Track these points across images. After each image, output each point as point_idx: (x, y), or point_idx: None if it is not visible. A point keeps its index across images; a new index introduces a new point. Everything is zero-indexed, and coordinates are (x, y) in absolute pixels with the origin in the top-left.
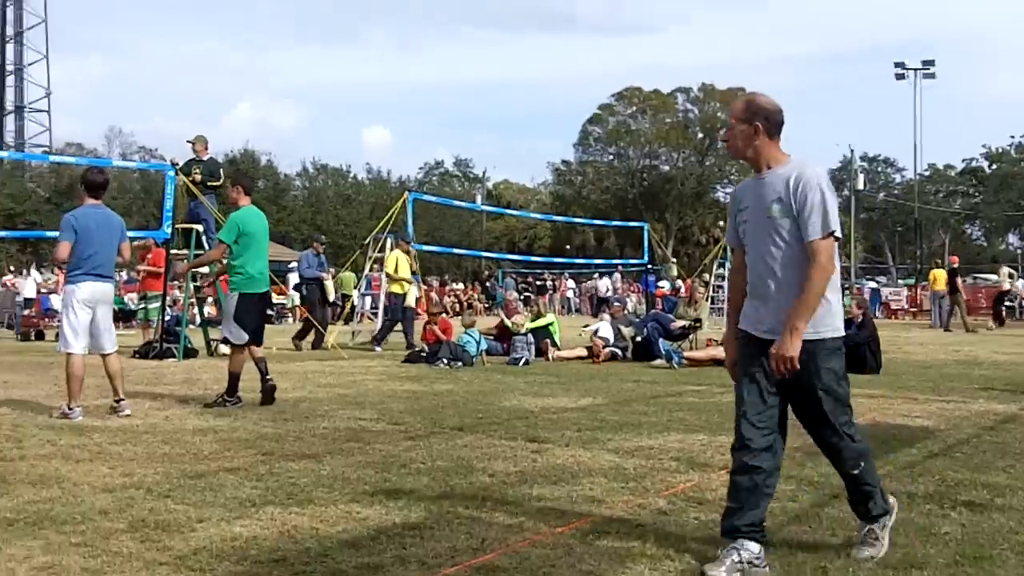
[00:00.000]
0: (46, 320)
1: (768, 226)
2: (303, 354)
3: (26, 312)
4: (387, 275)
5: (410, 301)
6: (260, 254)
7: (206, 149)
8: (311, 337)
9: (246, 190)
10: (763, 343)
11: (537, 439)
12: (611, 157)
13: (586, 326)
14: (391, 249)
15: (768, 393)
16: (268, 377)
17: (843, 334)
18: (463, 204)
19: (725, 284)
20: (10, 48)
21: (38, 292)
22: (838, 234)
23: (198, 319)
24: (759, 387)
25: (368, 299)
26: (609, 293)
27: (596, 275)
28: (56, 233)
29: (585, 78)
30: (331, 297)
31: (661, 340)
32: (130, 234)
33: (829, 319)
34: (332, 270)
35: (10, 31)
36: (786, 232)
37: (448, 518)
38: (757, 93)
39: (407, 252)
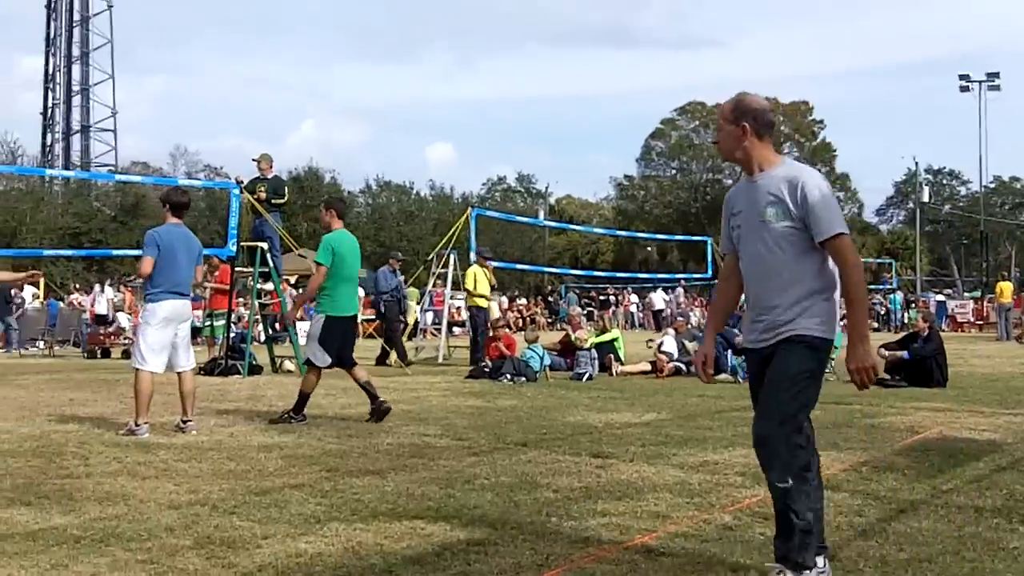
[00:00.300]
0: (112, 338)
1: (762, 230)
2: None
3: (102, 331)
4: (467, 291)
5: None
6: (350, 277)
7: (271, 167)
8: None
9: (339, 213)
10: (763, 359)
11: (601, 454)
12: (674, 171)
13: (651, 341)
14: (455, 265)
15: None
16: (380, 400)
17: (831, 337)
18: (526, 219)
19: None
20: (76, 68)
21: (113, 310)
22: (847, 232)
23: (263, 336)
24: None
25: (430, 315)
26: (664, 308)
27: (658, 290)
28: (122, 252)
29: (647, 92)
30: (411, 317)
31: (726, 354)
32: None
33: (820, 320)
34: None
35: (76, 52)
36: (781, 236)
37: (513, 534)
38: (746, 93)
39: (485, 267)
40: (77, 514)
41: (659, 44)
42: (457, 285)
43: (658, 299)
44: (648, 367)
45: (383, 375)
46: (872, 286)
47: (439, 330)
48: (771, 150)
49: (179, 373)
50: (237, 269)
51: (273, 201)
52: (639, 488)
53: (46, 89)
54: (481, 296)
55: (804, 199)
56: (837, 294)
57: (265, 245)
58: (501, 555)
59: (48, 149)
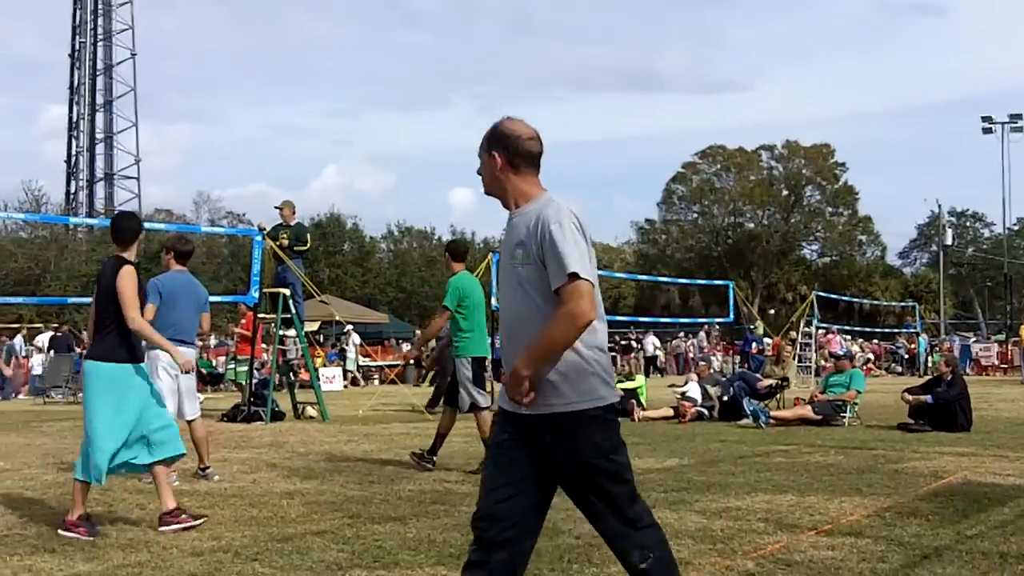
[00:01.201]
0: None
1: (512, 274)
2: (389, 416)
3: None
4: None
5: None
6: (482, 317)
7: (293, 214)
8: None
9: (457, 256)
10: (519, 419)
11: None
12: (695, 215)
13: (672, 386)
14: None
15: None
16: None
17: (609, 401)
18: None
19: (812, 343)
20: (100, 116)
21: None
22: (585, 276)
23: (285, 383)
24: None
25: None
26: (655, 353)
27: (681, 335)
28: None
29: (669, 136)
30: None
31: (747, 399)
32: (218, 299)
33: (587, 384)
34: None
35: (100, 100)
36: (527, 281)
37: None
38: (508, 118)
39: None
40: (100, 561)
41: (681, 88)
42: None
43: (649, 345)
44: (670, 412)
45: (407, 420)
46: (895, 329)
47: None
48: (532, 184)
49: (189, 422)
50: (260, 315)
51: (296, 248)
52: None
53: (70, 137)
54: None
55: (542, 241)
56: (601, 355)
57: (288, 291)
58: None
59: (72, 197)
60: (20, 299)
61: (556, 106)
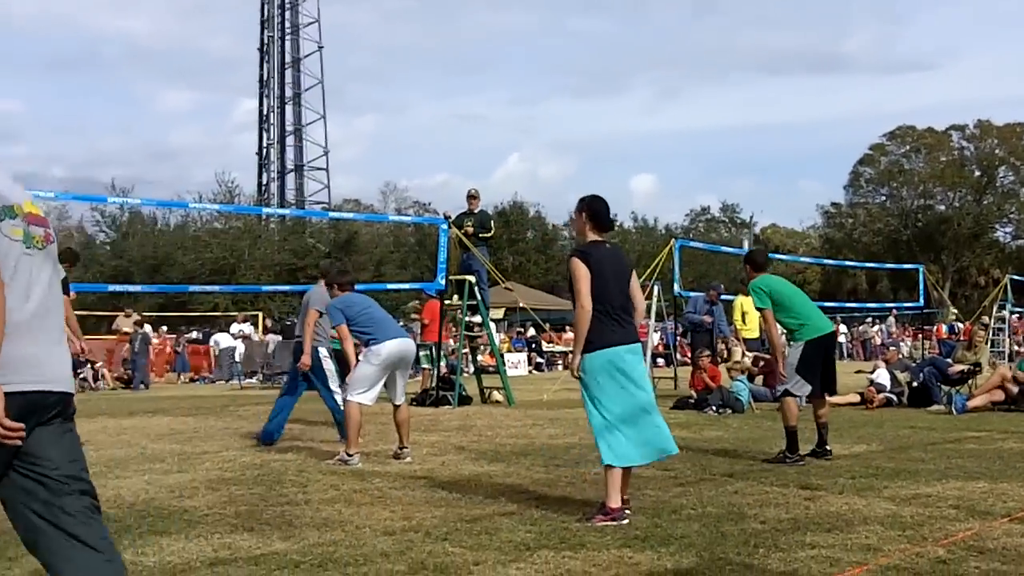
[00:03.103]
0: None
1: None
2: (573, 400)
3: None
4: (736, 324)
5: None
6: (803, 302)
7: (478, 202)
8: None
9: (759, 265)
10: None
11: (809, 486)
12: (883, 198)
13: (859, 371)
14: (658, 297)
15: None
16: (826, 445)
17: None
18: (730, 250)
19: (1005, 327)
20: (289, 109)
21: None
22: None
23: (472, 368)
24: None
25: None
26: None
27: (868, 320)
28: None
29: (855, 118)
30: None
31: (938, 385)
32: (406, 286)
33: None
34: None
35: (289, 93)
36: None
37: (720, 564)
38: None
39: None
40: (296, 540)
41: (868, 69)
42: (660, 316)
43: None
44: (857, 398)
45: None
46: None
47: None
48: None
49: (395, 405)
50: (446, 302)
51: (480, 235)
52: (849, 520)
53: (261, 130)
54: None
55: None
56: None
57: (473, 279)
58: None
59: (264, 188)
60: (216, 287)
61: (737, 90)
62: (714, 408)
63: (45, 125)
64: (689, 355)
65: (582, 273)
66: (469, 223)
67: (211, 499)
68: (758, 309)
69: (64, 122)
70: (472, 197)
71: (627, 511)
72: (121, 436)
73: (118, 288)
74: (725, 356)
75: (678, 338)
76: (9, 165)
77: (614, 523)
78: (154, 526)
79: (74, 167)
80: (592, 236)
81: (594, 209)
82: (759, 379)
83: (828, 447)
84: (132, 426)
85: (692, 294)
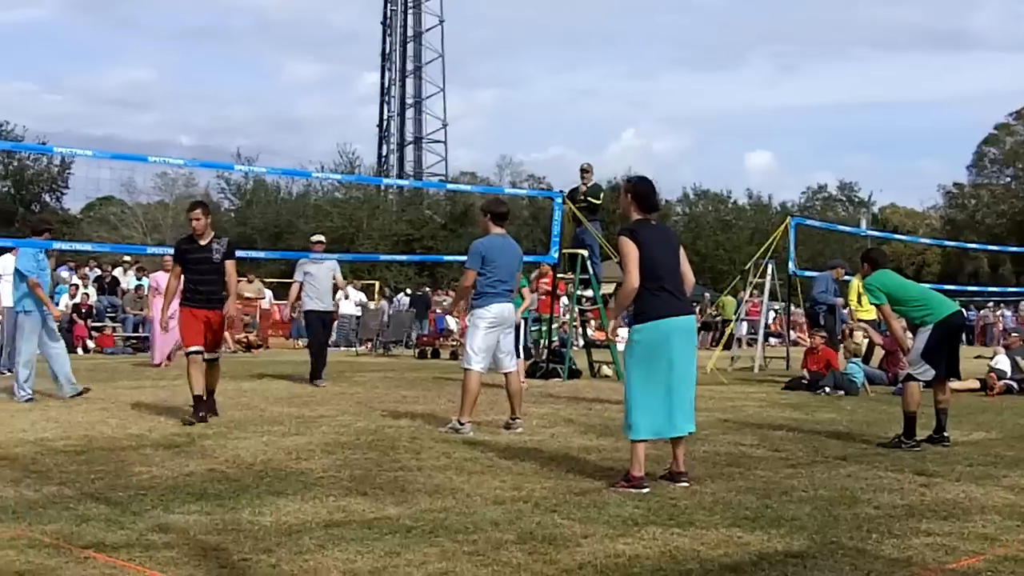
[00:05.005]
0: (440, 340)
1: None
2: None
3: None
4: (851, 305)
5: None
6: (919, 289)
7: (590, 175)
8: None
9: (878, 264)
10: None
11: (925, 472)
12: (1008, 179)
13: (979, 357)
14: (773, 275)
15: None
16: (944, 432)
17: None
18: (847, 229)
19: None
20: (410, 82)
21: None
22: None
23: (581, 341)
24: None
25: (745, 324)
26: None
27: (990, 305)
28: (451, 257)
29: (980, 96)
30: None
31: None
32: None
33: None
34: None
35: (410, 66)
36: None
37: (831, 548)
38: None
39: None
40: (409, 505)
41: (994, 46)
42: (774, 295)
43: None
44: (977, 385)
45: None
46: None
47: (754, 340)
48: None
49: (505, 374)
50: (559, 276)
51: (590, 201)
52: (966, 509)
53: (382, 103)
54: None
55: None
56: None
57: (586, 253)
58: (819, 568)
59: (384, 159)
60: (336, 255)
61: (858, 66)
62: (827, 390)
63: (175, 94)
64: (812, 337)
65: (630, 250)
66: (582, 198)
67: (327, 462)
68: (875, 306)
69: (193, 91)
70: (584, 171)
71: (646, 486)
72: (240, 399)
73: (241, 254)
74: (848, 335)
75: (792, 319)
76: (139, 132)
77: (634, 491)
78: (271, 487)
79: (202, 135)
80: (636, 216)
81: (639, 191)
82: (875, 361)
83: (946, 433)
84: (252, 388)
85: (815, 274)
